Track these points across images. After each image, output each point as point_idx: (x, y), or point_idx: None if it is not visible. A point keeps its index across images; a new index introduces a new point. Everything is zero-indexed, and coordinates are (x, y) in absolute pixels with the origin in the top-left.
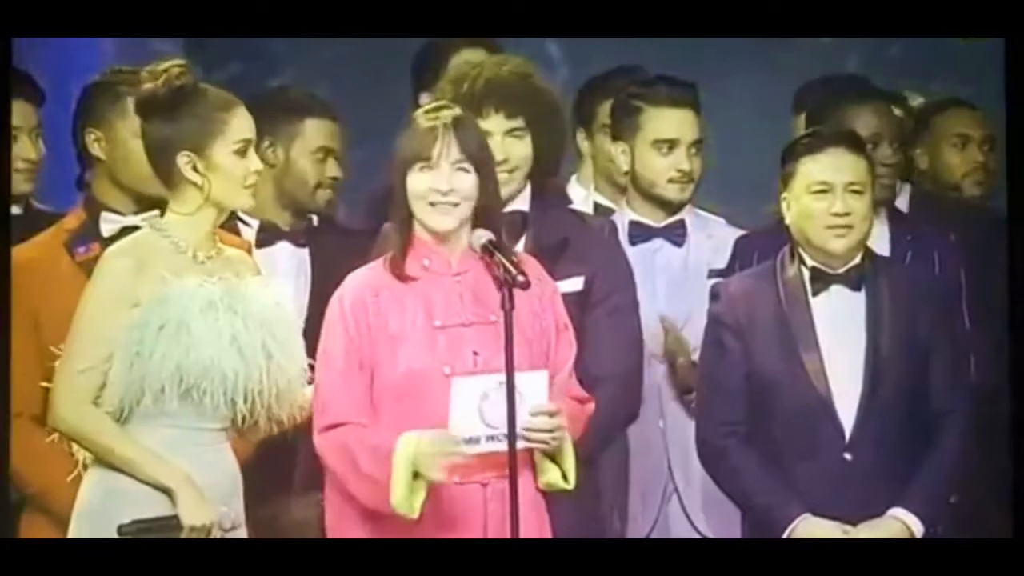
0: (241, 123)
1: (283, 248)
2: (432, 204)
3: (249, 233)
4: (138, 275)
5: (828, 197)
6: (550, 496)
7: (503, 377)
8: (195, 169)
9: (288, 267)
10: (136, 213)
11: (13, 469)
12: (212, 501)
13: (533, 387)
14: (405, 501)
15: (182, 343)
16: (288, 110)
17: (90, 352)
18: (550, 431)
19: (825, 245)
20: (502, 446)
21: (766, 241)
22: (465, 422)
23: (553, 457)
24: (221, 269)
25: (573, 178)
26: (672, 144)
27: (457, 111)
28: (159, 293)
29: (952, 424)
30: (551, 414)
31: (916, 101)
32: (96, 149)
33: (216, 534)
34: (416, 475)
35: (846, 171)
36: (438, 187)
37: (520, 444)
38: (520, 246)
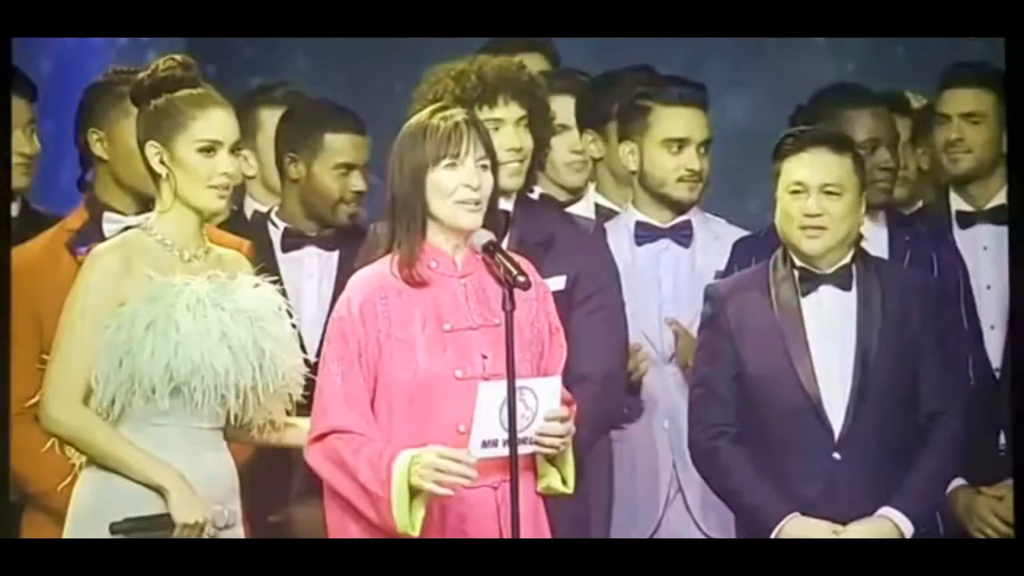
0: (211, 124)
1: (310, 252)
2: (460, 202)
3: (276, 235)
4: (124, 274)
5: (802, 197)
6: (546, 498)
7: (524, 382)
8: (162, 161)
9: (313, 269)
10: (138, 213)
11: (14, 469)
12: (206, 500)
13: (547, 393)
14: (406, 519)
15: (170, 340)
16: (309, 125)
17: (77, 351)
18: (561, 436)
19: (799, 245)
20: (519, 448)
21: (763, 243)
22: (487, 426)
23: (553, 461)
24: (210, 267)
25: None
26: (682, 143)
27: (467, 111)
28: (145, 291)
29: (943, 425)
30: (563, 419)
31: (919, 102)
32: (98, 149)
33: (209, 532)
34: (415, 492)
35: (823, 172)
36: (469, 183)
37: (532, 449)
38: (503, 245)
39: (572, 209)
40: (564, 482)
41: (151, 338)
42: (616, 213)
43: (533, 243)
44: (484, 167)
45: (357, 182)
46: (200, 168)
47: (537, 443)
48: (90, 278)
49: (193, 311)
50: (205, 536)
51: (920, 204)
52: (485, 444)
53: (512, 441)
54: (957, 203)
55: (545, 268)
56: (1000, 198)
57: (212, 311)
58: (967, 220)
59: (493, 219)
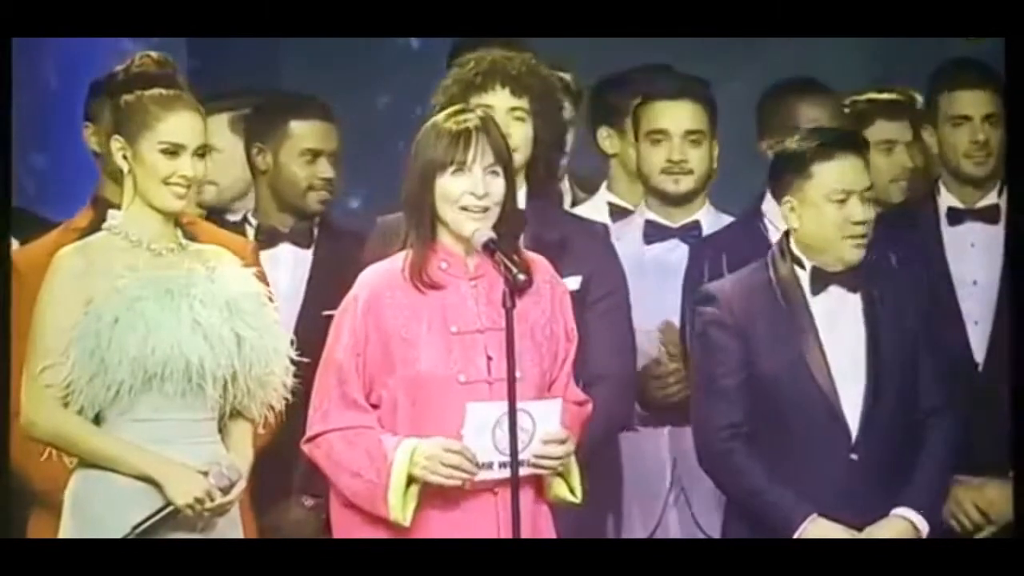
0: (177, 126)
1: (284, 249)
2: (464, 208)
3: (251, 234)
4: (87, 273)
5: (848, 205)
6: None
7: (522, 405)
8: (124, 157)
9: (287, 268)
10: None
11: (18, 466)
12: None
13: (546, 415)
14: (399, 509)
15: (138, 332)
16: (274, 113)
17: (48, 353)
18: (559, 458)
19: (843, 253)
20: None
21: (730, 242)
22: (478, 447)
23: (560, 473)
24: (186, 261)
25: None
26: (663, 134)
27: (482, 114)
28: (111, 286)
29: (941, 421)
30: (562, 441)
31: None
32: (100, 148)
33: (218, 497)
34: (411, 482)
35: (862, 177)
36: (475, 191)
37: (529, 470)
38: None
39: (583, 207)
40: (572, 491)
41: (120, 331)
42: (628, 211)
43: (548, 241)
44: (495, 173)
45: (325, 169)
46: (160, 167)
47: (535, 465)
48: (53, 281)
49: (160, 300)
50: (215, 503)
51: (905, 199)
52: (482, 467)
53: (512, 440)
54: (948, 200)
55: (560, 268)
56: (991, 197)
57: (182, 300)
58: (956, 217)
59: (508, 221)
